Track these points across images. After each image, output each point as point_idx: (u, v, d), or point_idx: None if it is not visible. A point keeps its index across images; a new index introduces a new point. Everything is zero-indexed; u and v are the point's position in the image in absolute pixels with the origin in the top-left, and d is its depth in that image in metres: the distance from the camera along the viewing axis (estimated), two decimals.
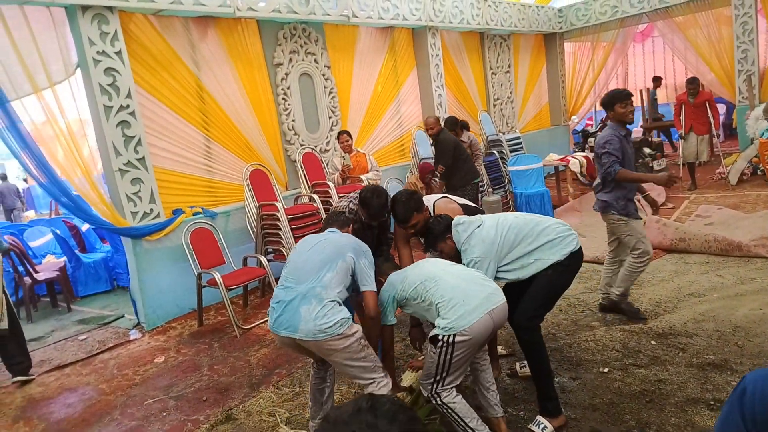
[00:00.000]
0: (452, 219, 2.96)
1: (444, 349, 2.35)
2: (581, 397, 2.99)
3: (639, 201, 7.16)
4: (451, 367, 2.37)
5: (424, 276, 2.55)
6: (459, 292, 2.41)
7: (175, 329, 4.81)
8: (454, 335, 2.32)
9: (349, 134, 6.30)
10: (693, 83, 7.60)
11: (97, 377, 4.03)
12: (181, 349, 4.36)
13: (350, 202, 3.42)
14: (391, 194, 7.12)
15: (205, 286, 4.71)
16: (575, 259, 2.89)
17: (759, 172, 7.84)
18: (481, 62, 9.53)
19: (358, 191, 3.32)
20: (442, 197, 3.36)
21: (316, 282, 2.48)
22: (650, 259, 3.81)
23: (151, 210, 4.81)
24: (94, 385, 3.88)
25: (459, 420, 2.43)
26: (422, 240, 3.18)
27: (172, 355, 4.26)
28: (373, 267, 2.69)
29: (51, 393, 3.86)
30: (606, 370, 3.24)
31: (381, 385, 2.51)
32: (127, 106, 4.65)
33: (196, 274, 4.70)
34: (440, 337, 2.35)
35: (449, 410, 2.43)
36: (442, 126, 6.30)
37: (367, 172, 6.39)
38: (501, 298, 2.47)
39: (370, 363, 2.51)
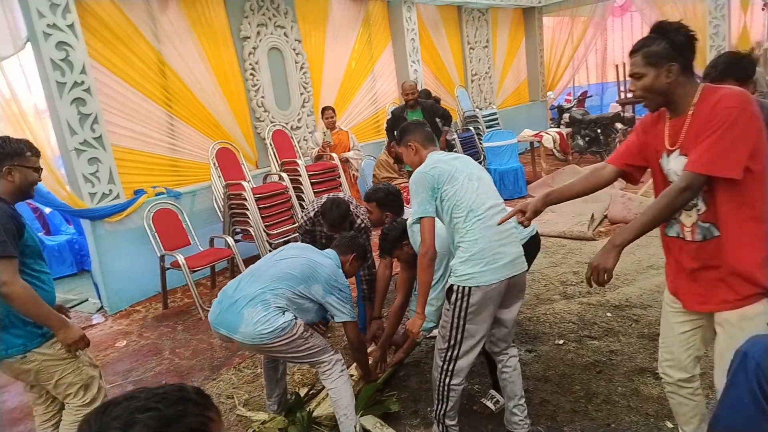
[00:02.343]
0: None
1: (459, 297, 2.19)
2: (535, 369, 3.02)
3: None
4: (467, 327, 2.21)
5: (473, 205, 2.23)
6: (488, 242, 2.18)
7: (139, 312, 4.75)
8: (470, 288, 2.17)
9: (333, 110, 6.20)
10: None
11: None
12: (144, 333, 4.31)
13: (312, 211, 3.44)
14: (366, 170, 7.03)
15: (168, 269, 4.64)
16: (532, 242, 2.89)
17: None
18: (458, 37, 9.40)
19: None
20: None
21: (269, 288, 2.38)
22: None
23: (110, 191, 4.70)
24: None
25: (441, 408, 2.35)
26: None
27: (134, 339, 4.22)
28: (347, 300, 2.57)
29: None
30: (561, 342, 3.27)
31: (333, 363, 2.47)
32: (82, 83, 4.50)
33: (158, 255, 4.63)
34: (455, 288, 2.21)
35: (445, 395, 2.32)
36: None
37: (348, 151, 6.31)
38: (524, 266, 2.32)
39: (317, 348, 2.44)
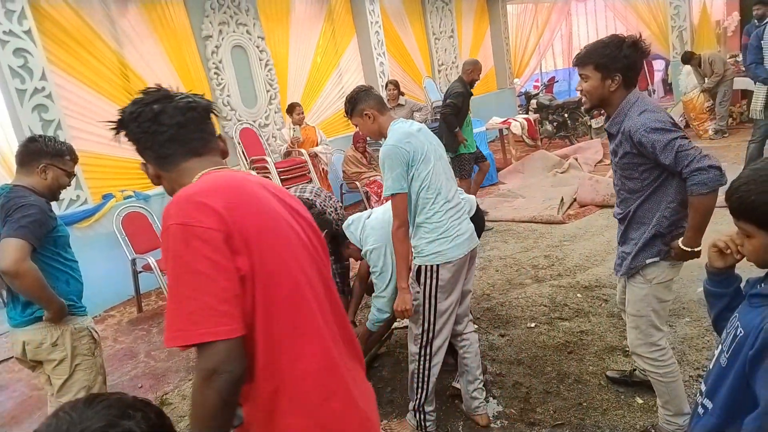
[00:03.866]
0: None
1: (428, 276, 2.26)
2: (508, 352, 3.11)
3: (576, 159, 7.35)
4: (438, 306, 2.29)
5: (441, 186, 2.28)
6: (451, 221, 2.28)
7: (114, 317, 4.70)
8: (438, 266, 2.25)
9: (300, 106, 6.23)
10: None
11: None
12: (119, 337, 4.28)
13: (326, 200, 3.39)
14: (337, 164, 7.04)
15: (141, 272, 4.60)
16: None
17: (690, 126, 8.14)
18: (423, 27, 9.42)
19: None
20: None
21: None
22: None
23: (78, 196, 4.63)
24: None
25: (420, 398, 2.41)
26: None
27: (109, 344, 4.17)
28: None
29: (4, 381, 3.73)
30: (533, 325, 3.36)
31: None
32: (43, 89, 4.40)
33: (130, 259, 4.58)
34: (423, 267, 2.27)
35: (425, 382, 2.39)
36: None
37: (317, 146, 6.32)
38: (477, 239, 2.43)
39: None
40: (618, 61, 1.93)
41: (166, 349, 3.93)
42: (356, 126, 2.44)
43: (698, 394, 1.26)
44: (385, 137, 2.31)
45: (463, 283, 2.39)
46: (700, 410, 1.22)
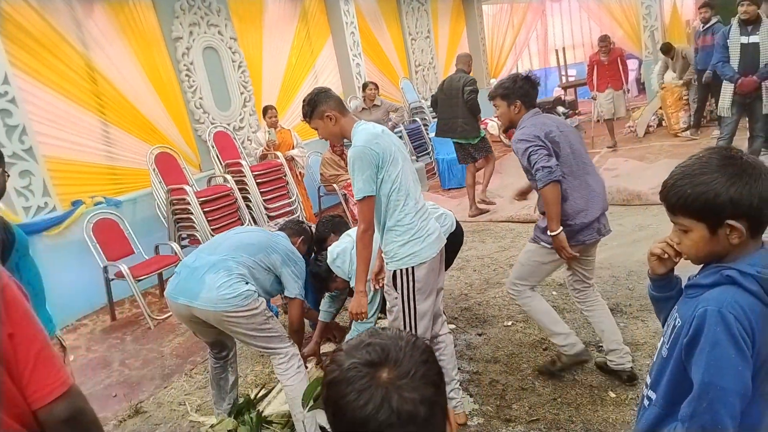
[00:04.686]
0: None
1: (405, 279, 2.24)
2: (485, 351, 3.11)
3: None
4: (417, 308, 2.27)
5: (409, 188, 2.26)
6: (421, 222, 2.26)
7: (87, 326, 4.59)
8: (413, 267, 2.23)
9: (275, 109, 6.15)
10: (604, 41, 7.82)
11: None
12: (92, 346, 4.17)
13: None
14: (314, 167, 7.02)
15: (113, 279, 4.49)
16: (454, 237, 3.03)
17: (663, 123, 8.28)
18: (399, 28, 9.42)
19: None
20: None
21: (230, 257, 2.36)
22: None
23: (46, 203, 4.50)
24: None
25: None
26: None
27: (82, 353, 4.07)
28: (302, 277, 2.60)
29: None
30: (510, 323, 3.37)
31: (289, 356, 2.43)
32: (5, 93, 4.27)
33: (102, 267, 4.48)
34: (398, 272, 2.24)
35: None
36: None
37: (293, 149, 6.27)
38: (444, 239, 2.43)
39: (276, 333, 2.39)
40: (515, 91, 2.50)
41: (141, 356, 3.85)
42: (316, 129, 2.35)
43: (644, 386, 1.29)
44: (348, 140, 2.27)
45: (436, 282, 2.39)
46: (645, 402, 1.24)
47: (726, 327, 1.02)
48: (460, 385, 2.59)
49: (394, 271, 2.27)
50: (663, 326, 1.30)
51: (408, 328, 2.30)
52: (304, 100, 2.32)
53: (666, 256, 1.21)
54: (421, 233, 2.25)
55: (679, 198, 1.10)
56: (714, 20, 6.84)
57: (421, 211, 2.29)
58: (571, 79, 12.80)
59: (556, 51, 13.21)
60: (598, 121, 8.16)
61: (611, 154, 7.36)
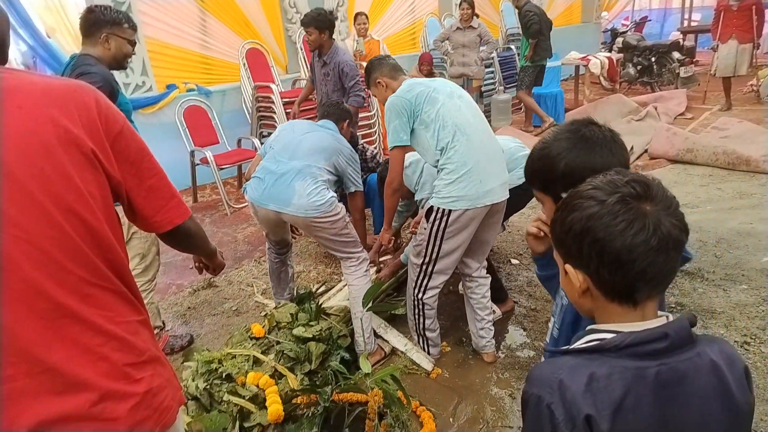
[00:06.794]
0: None
1: (438, 218, 2.19)
2: (545, 290, 3.04)
3: (656, 108, 6.77)
4: (443, 246, 2.23)
5: (459, 123, 2.17)
6: (474, 163, 2.14)
7: None
8: (450, 210, 2.16)
9: (366, 16, 5.95)
10: None
11: None
12: None
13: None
14: None
15: (198, 164, 4.74)
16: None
17: None
18: None
19: None
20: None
21: (313, 162, 2.41)
22: None
23: (144, 82, 4.72)
24: None
25: (420, 323, 2.44)
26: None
27: None
28: (358, 173, 2.67)
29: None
30: None
31: (360, 260, 2.51)
32: None
33: (189, 151, 4.71)
34: (435, 208, 2.20)
35: (420, 309, 2.41)
36: None
37: None
38: (506, 193, 2.28)
39: (352, 239, 2.49)
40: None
41: (216, 239, 4.11)
42: (375, 96, 2.50)
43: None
44: None
45: (475, 234, 2.27)
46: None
47: None
48: (491, 326, 2.54)
49: (432, 206, 2.21)
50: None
51: (427, 258, 2.26)
52: (366, 68, 2.50)
53: (542, 234, 1.13)
54: (471, 177, 2.11)
55: (528, 173, 1.13)
56: None
57: (479, 153, 2.14)
58: (694, 24, 11.48)
59: None
60: (714, 75, 7.29)
61: (723, 113, 6.66)
